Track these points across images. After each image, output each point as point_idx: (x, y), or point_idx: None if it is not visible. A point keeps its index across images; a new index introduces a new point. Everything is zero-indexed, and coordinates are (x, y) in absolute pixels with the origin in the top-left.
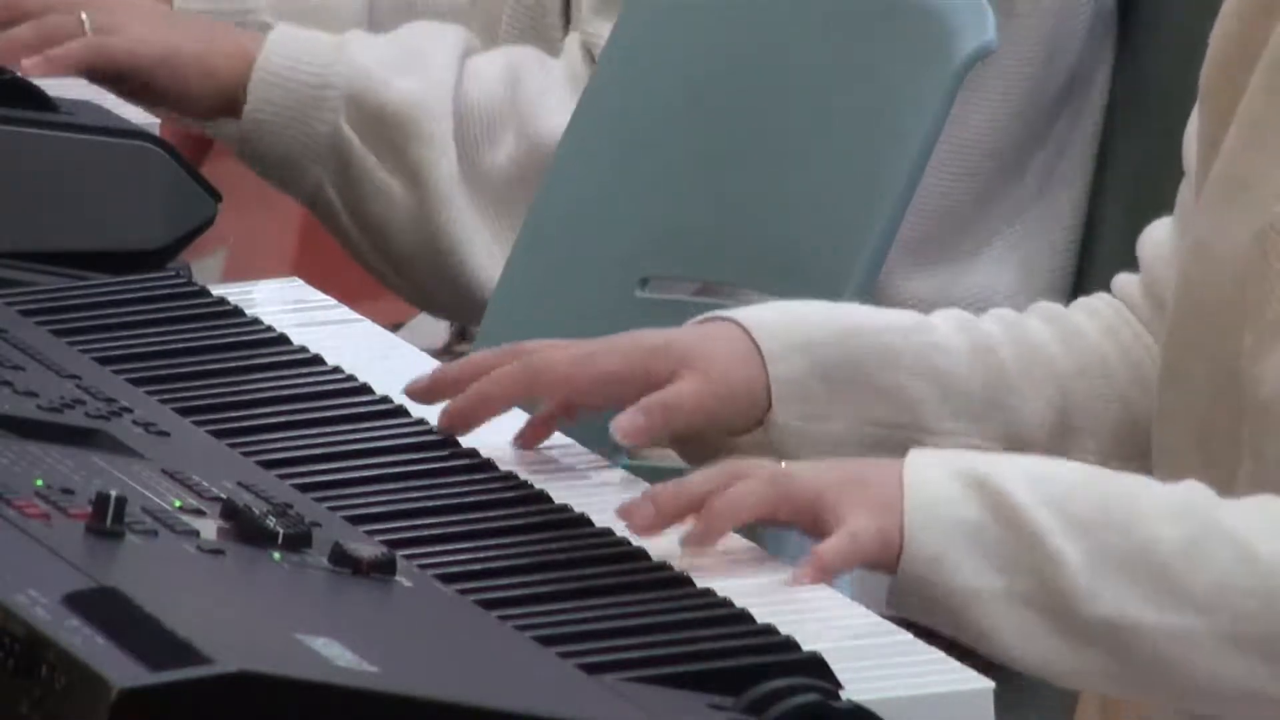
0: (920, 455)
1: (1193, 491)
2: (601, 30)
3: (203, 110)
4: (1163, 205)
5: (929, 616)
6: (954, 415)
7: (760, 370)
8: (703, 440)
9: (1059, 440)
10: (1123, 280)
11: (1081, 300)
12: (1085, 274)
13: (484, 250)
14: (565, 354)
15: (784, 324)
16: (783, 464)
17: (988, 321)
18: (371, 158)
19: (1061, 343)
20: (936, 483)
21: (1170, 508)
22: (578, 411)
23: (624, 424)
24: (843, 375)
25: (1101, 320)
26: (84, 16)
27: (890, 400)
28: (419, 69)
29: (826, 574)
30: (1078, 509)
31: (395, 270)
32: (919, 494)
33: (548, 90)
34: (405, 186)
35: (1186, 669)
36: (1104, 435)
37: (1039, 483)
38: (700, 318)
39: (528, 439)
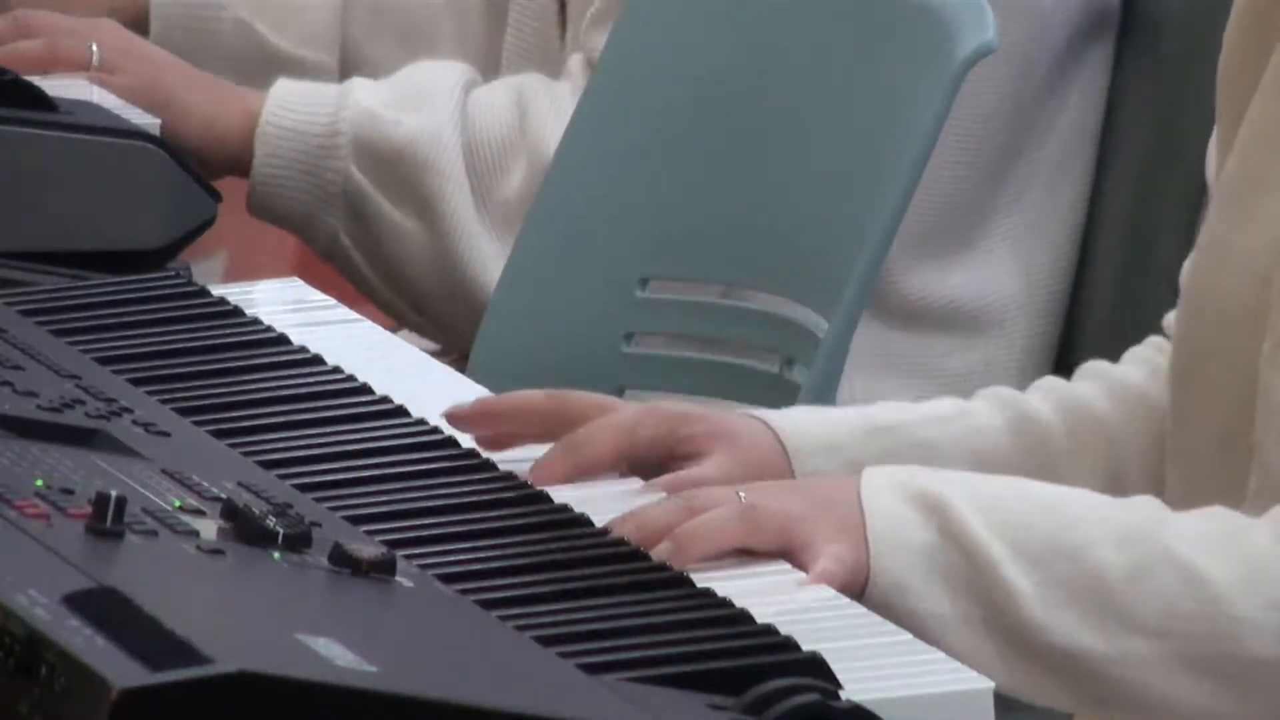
0: (875, 477)
1: (1141, 512)
2: (602, 43)
3: (206, 171)
4: (1163, 204)
5: None
6: None
7: (785, 467)
8: None
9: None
10: (1168, 318)
11: (1131, 350)
12: (1085, 274)
13: None
14: (608, 432)
15: (813, 423)
16: (741, 493)
17: (1032, 392)
18: (384, 200)
19: (1108, 396)
20: (893, 508)
21: (1118, 532)
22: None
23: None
24: None
25: (1147, 364)
26: (93, 48)
27: None
28: (424, 106)
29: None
30: (1028, 537)
31: (415, 308)
32: (878, 521)
33: (555, 114)
34: (420, 222)
35: (1141, 692)
36: (1158, 475)
37: (991, 509)
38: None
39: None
